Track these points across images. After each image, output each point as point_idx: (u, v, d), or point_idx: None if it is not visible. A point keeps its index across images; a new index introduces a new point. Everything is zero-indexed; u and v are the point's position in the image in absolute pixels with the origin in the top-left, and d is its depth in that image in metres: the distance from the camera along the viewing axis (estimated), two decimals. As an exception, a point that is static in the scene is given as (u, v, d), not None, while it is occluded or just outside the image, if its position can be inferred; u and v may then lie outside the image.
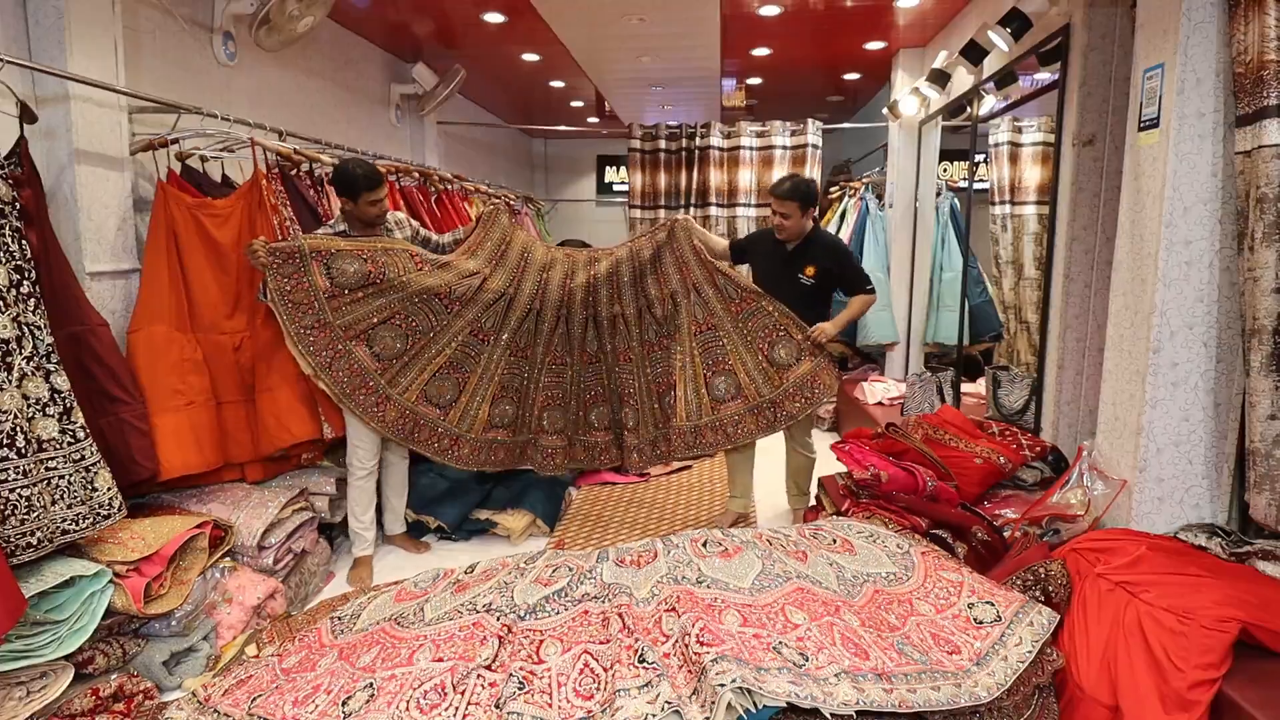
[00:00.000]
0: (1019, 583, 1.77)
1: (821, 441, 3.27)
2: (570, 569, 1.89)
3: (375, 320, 2.58)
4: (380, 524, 2.99)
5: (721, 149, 5.15)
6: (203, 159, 2.87)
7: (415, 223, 2.91)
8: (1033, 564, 1.82)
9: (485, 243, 2.83)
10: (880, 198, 5.05)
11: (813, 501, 3.05)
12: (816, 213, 2.89)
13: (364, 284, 2.56)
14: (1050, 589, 1.72)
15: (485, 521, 3.13)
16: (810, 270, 2.84)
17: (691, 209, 5.22)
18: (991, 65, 3.40)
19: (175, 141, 2.63)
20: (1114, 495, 2.02)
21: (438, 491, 3.14)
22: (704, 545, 1.92)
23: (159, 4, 2.81)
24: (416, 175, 4.06)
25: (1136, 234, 2.02)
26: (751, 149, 5.15)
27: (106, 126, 2.43)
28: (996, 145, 4.55)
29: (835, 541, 1.97)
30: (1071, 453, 2.51)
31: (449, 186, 4.51)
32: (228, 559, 2.40)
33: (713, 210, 5.16)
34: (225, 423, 2.57)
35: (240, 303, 2.64)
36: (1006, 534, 2.16)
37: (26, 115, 2.03)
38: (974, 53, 3.33)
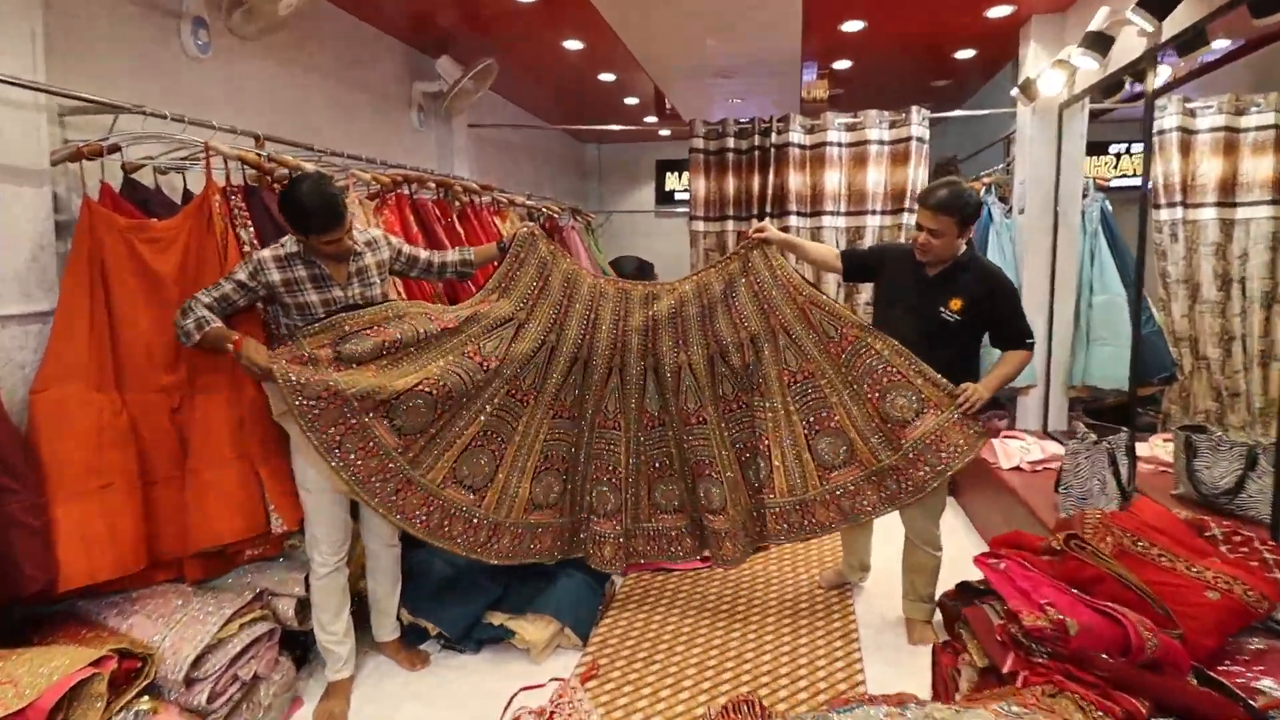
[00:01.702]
0: None
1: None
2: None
3: (399, 386, 2.19)
4: (368, 627, 2.55)
5: (803, 146, 4.60)
6: (158, 171, 2.48)
7: (398, 240, 2.47)
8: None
9: (519, 277, 2.46)
10: (1005, 201, 4.40)
11: (937, 614, 2.48)
12: (973, 232, 2.35)
13: (378, 355, 2.21)
14: None
15: (500, 628, 2.62)
16: (956, 304, 2.36)
17: (767, 220, 4.61)
18: (1170, 27, 2.69)
19: (115, 149, 2.22)
20: None
21: (438, 587, 2.67)
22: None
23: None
24: (433, 185, 3.60)
25: None
26: (840, 145, 4.58)
27: (19, 131, 2.04)
28: (1162, 133, 3.78)
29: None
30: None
31: (476, 199, 4.05)
32: (146, 698, 1.92)
33: (792, 220, 4.60)
34: (157, 509, 2.14)
35: (182, 351, 2.22)
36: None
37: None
38: (1158, 4, 2.61)
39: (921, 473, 2.31)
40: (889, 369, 2.35)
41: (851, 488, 2.43)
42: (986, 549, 3.39)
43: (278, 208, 2.12)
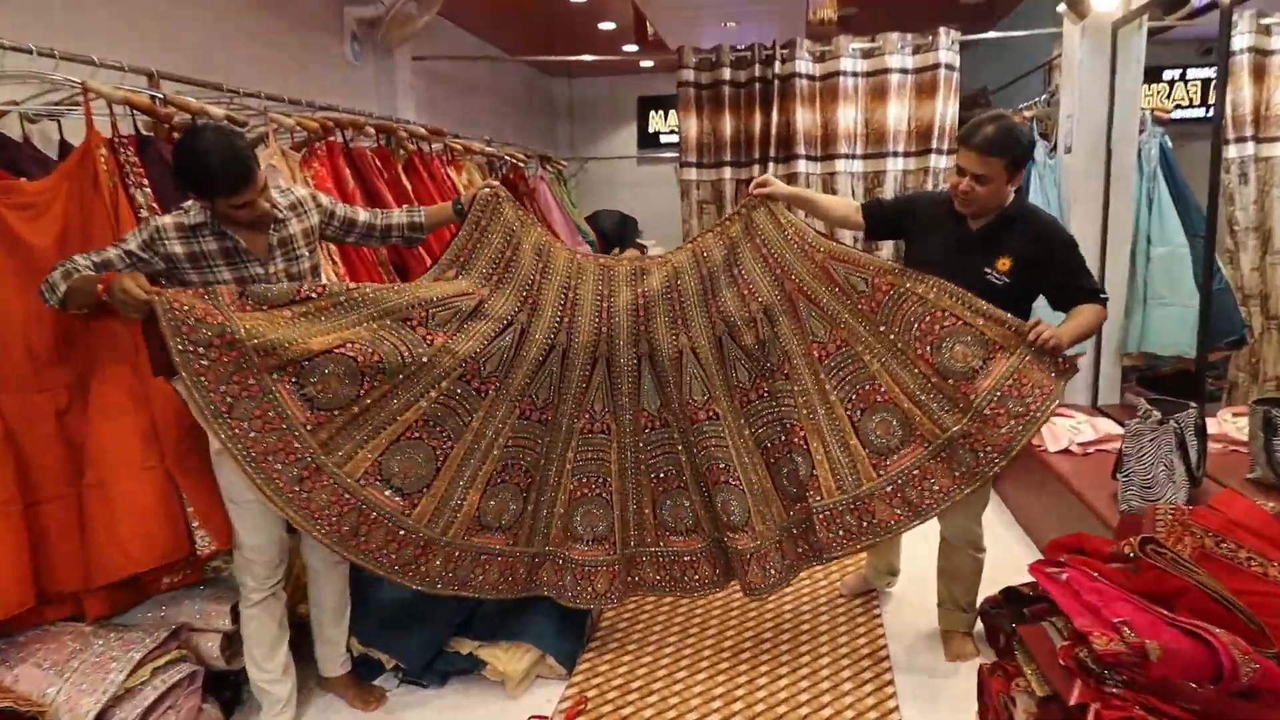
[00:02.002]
0: None
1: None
2: None
3: (315, 346, 2.00)
4: (312, 660, 2.46)
5: (812, 78, 4.47)
6: (25, 119, 2.34)
7: (329, 199, 2.31)
8: None
9: (480, 248, 2.32)
10: (1047, 138, 4.31)
11: (978, 623, 2.43)
12: (1021, 178, 2.26)
13: (293, 301, 2.04)
14: None
15: (468, 658, 2.55)
16: (1004, 263, 2.25)
17: (770, 165, 4.55)
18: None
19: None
20: None
21: (394, 610, 2.57)
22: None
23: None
24: (372, 131, 3.43)
25: None
26: (855, 76, 4.46)
27: None
28: (1232, 55, 3.70)
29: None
30: None
31: (424, 146, 3.89)
32: (39, 762, 1.82)
33: (801, 166, 4.48)
34: (45, 534, 2.03)
35: (70, 339, 2.10)
36: None
37: None
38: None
39: (1004, 429, 2.16)
40: (939, 314, 2.22)
41: (916, 472, 2.28)
42: (1031, 546, 3.48)
43: (173, 168, 1.96)
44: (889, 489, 2.30)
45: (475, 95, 6.18)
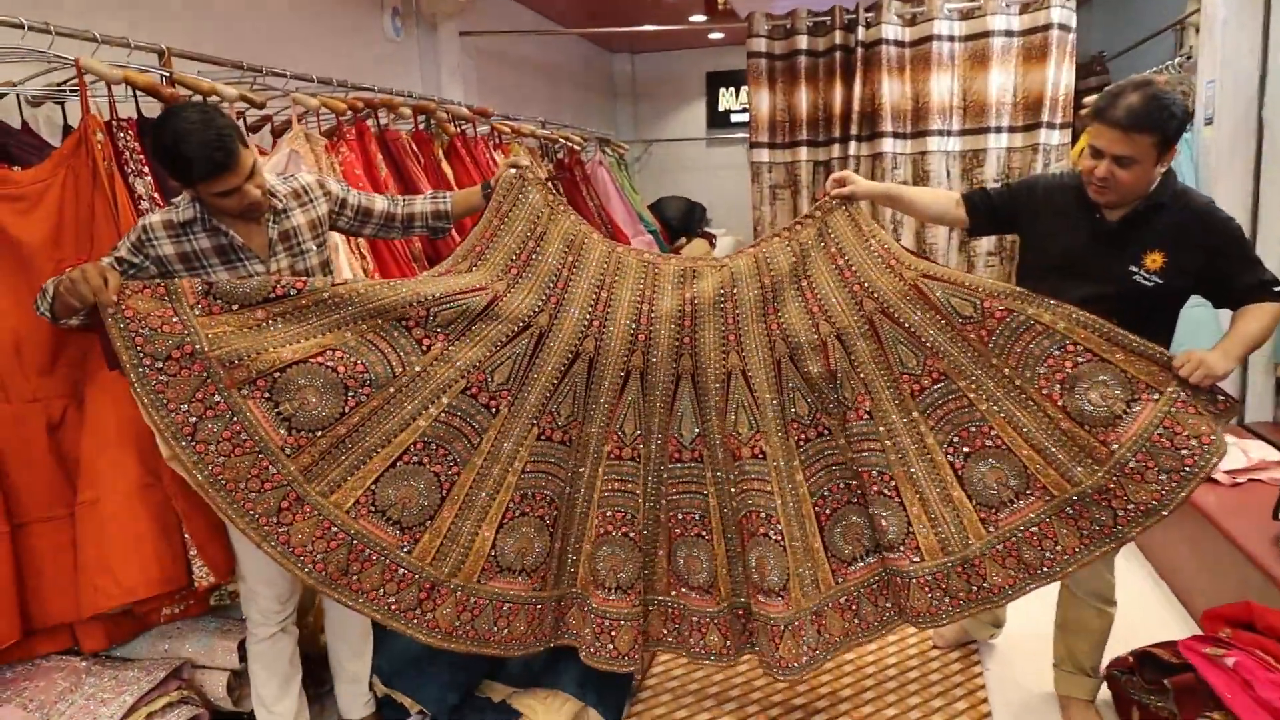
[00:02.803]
0: None
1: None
2: None
3: (287, 356, 1.87)
4: (333, 700, 2.39)
5: (901, 44, 4.21)
6: (29, 102, 2.27)
7: (341, 186, 2.17)
8: None
9: (500, 236, 2.14)
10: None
11: (1104, 689, 2.21)
12: (1173, 157, 1.98)
13: (267, 299, 1.89)
14: None
15: (501, 706, 2.41)
16: (1156, 259, 1.98)
17: (852, 144, 4.28)
18: None
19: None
20: None
21: (419, 649, 2.40)
22: None
23: None
24: (408, 113, 3.30)
25: None
26: (952, 40, 4.17)
27: None
28: None
29: None
30: None
31: (466, 129, 3.74)
32: (19, 818, 1.72)
33: (887, 145, 4.20)
34: (34, 558, 1.97)
35: (65, 346, 2.03)
36: None
37: None
38: None
39: (1152, 486, 1.92)
40: (1071, 348, 1.97)
41: (1034, 530, 2.05)
42: (1168, 596, 3.13)
43: (151, 151, 1.86)
44: (1000, 548, 2.07)
45: (529, 73, 6.05)
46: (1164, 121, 1.84)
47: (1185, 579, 2.94)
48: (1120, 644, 2.21)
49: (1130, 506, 1.94)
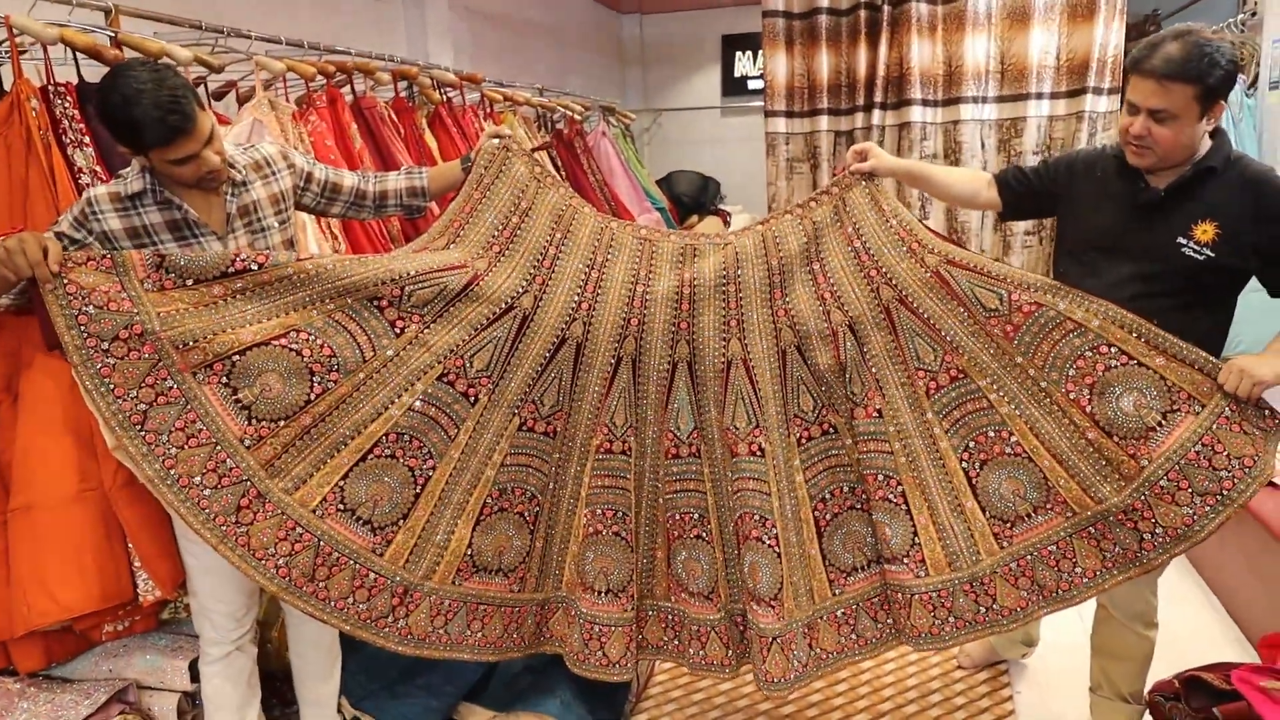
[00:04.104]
0: None
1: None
2: None
3: (247, 338, 1.83)
4: None
5: (932, 1, 4.10)
6: None
7: (306, 159, 2.14)
8: None
9: (481, 211, 2.10)
10: (1244, 71, 3.97)
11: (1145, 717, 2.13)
12: (1223, 110, 1.91)
13: (225, 273, 1.84)
14: None
15: None
16: (1207, 230, 1.89)
17: (877, 112, 4.20)
18: None
19: None
20: None
21: (393, 668, 2.44)
22: None
23: None
24: (387, 78, 3.24)
25: None
26: None
27: None
28: None
29: None
30: None
31: (453, 96, 3.67)
32: None
33: (915, 113, 4.11)
34: None
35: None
36: None
37: None
38: None
39: (1185, 509, 1.87)
40: (1104, 349, 1.91)
41: (1051, 549, 2.01)
42: (1220, 613, 3.06)
43: (97, 115, 1.80)
44: (1013, 566, 2.04)
45: (529, 36, 5.99)
46: (1205, 70, 1.76)
47: (1241, 597, 2.87)
48: (1165, 665, 2.14)
49: (1158, 531, 1.89)
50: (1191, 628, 2.76)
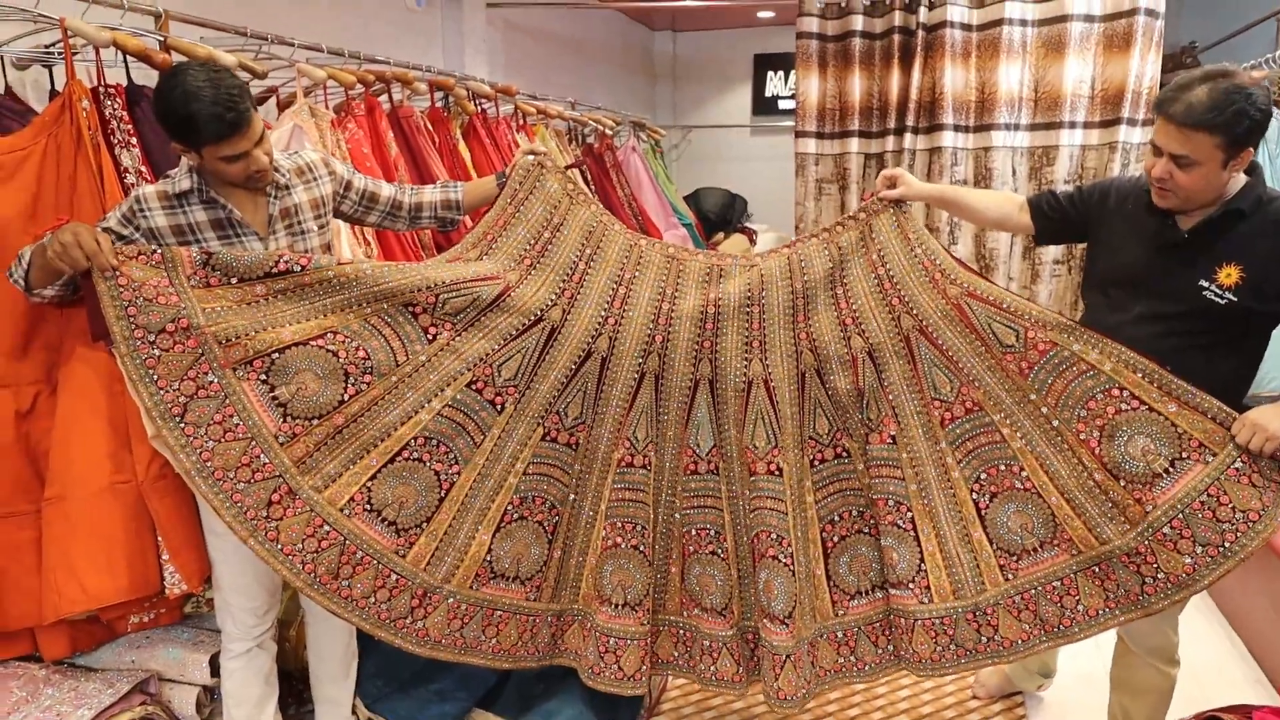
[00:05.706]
0: None
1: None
2: None
3: (287, 336, 1.88)
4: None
5: (967, 27, 4.10)
6: (16, 65, 2.31)
7: (347, 168, 2.20)
8: None
9: (514, 225, 2.15)
10: None
11: None
12: (1251, 157, 1.88)
13: (268, 273, 1.90)
14: None
15: None
16: (1231, 274, 1.88)
17: (909, 136, 4.20)
18: None
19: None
20: None
21: (407, 670, 2.46)
22: None
23: None
24: (424, 88, 3.29)
25: None
26: (1025, 25, 4.04)
27: None
28: None
29: None
30: None
31: (487, 108, 3.73)
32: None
33: (947, 138, 4.10)
34: None
35: (40, 328, 2.05)
36: None
37: None
38: None
39: (1186, 559, 1.87)
40: (1116, 392, 1.92)
41: (1055, 585, 2.02)
42: (1239, 650, 3.01)
43: (155, 113, 1.87)
44: (1017, 599, 2.06)
45: (561, 50, 6.05)
46: (1230, 121, 1.73)
47: (1264, 636, 2.83)
48: (1185, 703, 2.13)
49: (1160, 576, 1.90)
50: (1213, 667, 2.73)
